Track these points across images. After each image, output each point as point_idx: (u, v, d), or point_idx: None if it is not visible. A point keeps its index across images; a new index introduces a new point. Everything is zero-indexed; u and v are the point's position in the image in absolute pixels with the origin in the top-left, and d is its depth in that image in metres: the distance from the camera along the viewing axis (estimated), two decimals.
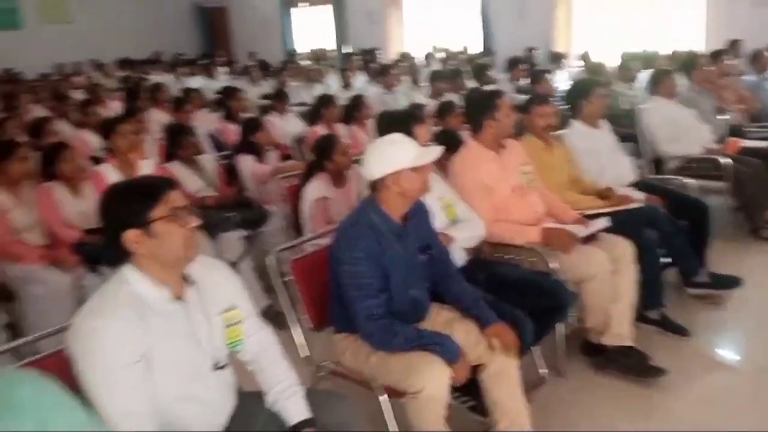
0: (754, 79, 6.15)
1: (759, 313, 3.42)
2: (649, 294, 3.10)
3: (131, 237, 1.59)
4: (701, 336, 3.15)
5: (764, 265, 3.97)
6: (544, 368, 2.79)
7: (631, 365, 2.81)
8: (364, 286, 2.10)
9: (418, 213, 2.32)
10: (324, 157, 3.28)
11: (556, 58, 9.08)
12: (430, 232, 2.38)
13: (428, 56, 10.08)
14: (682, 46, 8.40)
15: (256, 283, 3.54)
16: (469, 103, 3.36)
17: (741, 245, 4.22)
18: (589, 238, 2.95)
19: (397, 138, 2.23)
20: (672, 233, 3.18)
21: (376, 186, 2.18)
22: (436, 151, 2.21)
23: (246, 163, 4.17)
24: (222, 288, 1.80)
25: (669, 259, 3.32)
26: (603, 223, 2.95)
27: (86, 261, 3.30)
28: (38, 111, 6.41)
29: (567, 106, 3.92)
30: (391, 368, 2.11)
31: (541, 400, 2.68)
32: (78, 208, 3.48)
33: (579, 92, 3.75)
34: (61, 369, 1.60)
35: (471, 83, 6.79)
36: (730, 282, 3.41)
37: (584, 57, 8.67)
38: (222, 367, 1.76)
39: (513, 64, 7.01)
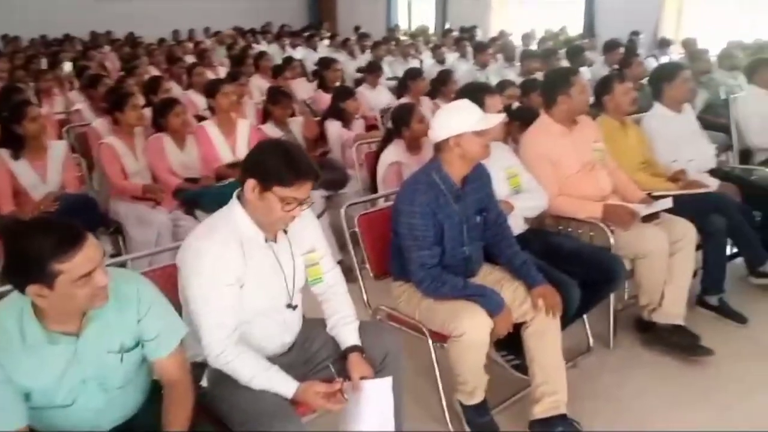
0: None
1: None
2: (710, 279, 3.15)
3: (250, 186, 1.84)
4: (758, 325, 3.13)
5: None
6: (592, 338, 2.90)
7: (679, 343, 2.87)
8: (420, 237, 2.31)
9: (479, 177, 2.49)
10: (401, 124, 3.48)
11: (662, 44, 8.76)
12: (488, 196, 2.54)
13: (524, 36, 9.99)
14: None
15: (332, 239, 3.82)
16: (544, 79, 3.44)
17: None
18: (652, 218, 3.00)
19: (462, 104, 2.41)
20: (740, 222, 3.16)
21: (440, 147, 2.37)
22: (497, 118, 2.37)
23: (333, 128, 4.46)
24: (306, 232, 2.07)
25: (735, 249, 3.30)
26: (665, 203, 2.99)
27: (184, 205, 3.72)
28: (153, 72, 7.00)
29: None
30: (438, 314, 2.32)
31: (585, 366, 2.82)
32: (181, 158, 3.89)
33: (662, 75, 3.71)
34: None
35: (565, 64, 6.75)
36: None
37: (686, 43, 8.31)
38: (294, 308, 2.06)
39: (610, 47, 6.87)
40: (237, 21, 14.03)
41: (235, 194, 1.94)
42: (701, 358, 2.83)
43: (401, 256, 2.41)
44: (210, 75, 6.22)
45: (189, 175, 3.84)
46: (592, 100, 3.69)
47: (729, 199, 3.25)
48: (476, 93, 2.79)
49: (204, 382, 1.95)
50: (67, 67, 6.99)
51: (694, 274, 3.13)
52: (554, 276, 2.51)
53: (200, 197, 3.70)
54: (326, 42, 11.02)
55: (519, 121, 3.50)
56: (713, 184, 3.37)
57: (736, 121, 4.45)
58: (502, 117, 2.40)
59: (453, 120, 2.32)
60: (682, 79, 3.63)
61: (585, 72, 6.95)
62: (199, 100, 5.45)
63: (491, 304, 2.25)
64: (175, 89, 5.95)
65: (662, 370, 2.84)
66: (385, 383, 1.96)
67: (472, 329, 2.19)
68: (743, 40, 7.69)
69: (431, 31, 12.98)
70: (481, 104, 2.72)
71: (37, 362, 1.56)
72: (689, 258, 2.93)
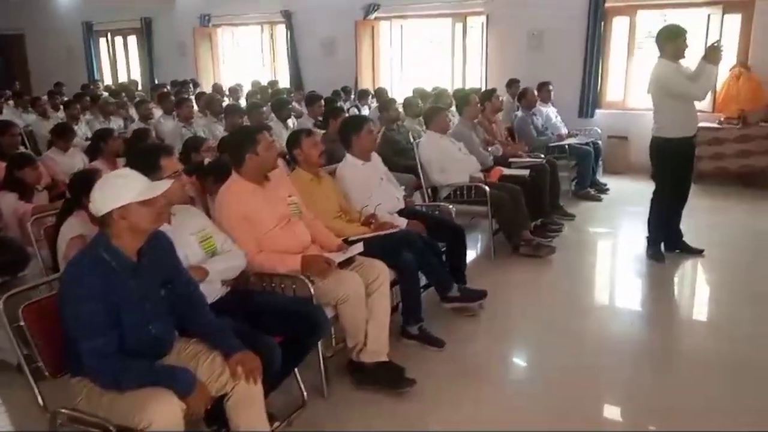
0: (522, 114, 6.97)
1: (506, 321, 3.85)
2: (409, 311, 3.38)
3: None
4: (454, 346, 3.44)
5: (520, 280, 4.46)
6: (306, 391, 2.88)
7: (386, 378, 3.01)
8: (90, 324, 2.03)
9: (158, 246, 2.30)
10: (81, 193, 3.13)
11: (362, 95, 9.52)
12: (172, 265, 2.37)
13: (231, 90, 10.09)
14: (470, 85, 9.25)
15: (12, 336, 3.24)
16: (230, 139, 3.42)
17: (504, 263, 4.73)
18: (349, 262, 3.13)
19: (123, 173, 2.24)
20: (426, 254, 3.47)
21: (104, 222, 2.15)
22: (164, 185, 2.21)
23: (8, 201, 3.88)
24: None
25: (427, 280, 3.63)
26: (357, 248, 3.16)
27: None
28: None
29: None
30: (121, 407, 2.06)
31: (301, 421, 2.77)
32: None
33: (350, 128, 3.96)
34: None
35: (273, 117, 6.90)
36: (477, 294, 3.80)
37: (378, 93, 9.17)
38: None
39: (312, 100, 7.23)
40: None
41: None
42: (407, 389, 2.99)
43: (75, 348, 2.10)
44: None
45: None
46: None
47: (415, 235, 3.55)
48: (150, 155, 2.65)
49: None
50: None
51: (396, 309, 3.34)
52: (255, 338, 2.43)
53: None
54: (12, 102, 9.76)
55: (212, 175, 3.43)
56: (402, 223, 3.67)
57: (421, 162, 4.97)
58: (168, 184, 2.23)
59: (113, 191, 2.10)
60: (367, 130, 3.92)
61: (292, 124, 7.23)
62: None
63: (180, 385, 2.07)
64: None
65: (376, 409, 2.92)
66: None
67: (160, 417, 1.98)
68: (426, 88, 8.71)
69: (140, 87, 12.36)
70: (156, 166, 2.60)
71: None
72: (385, 296, 3.10)
